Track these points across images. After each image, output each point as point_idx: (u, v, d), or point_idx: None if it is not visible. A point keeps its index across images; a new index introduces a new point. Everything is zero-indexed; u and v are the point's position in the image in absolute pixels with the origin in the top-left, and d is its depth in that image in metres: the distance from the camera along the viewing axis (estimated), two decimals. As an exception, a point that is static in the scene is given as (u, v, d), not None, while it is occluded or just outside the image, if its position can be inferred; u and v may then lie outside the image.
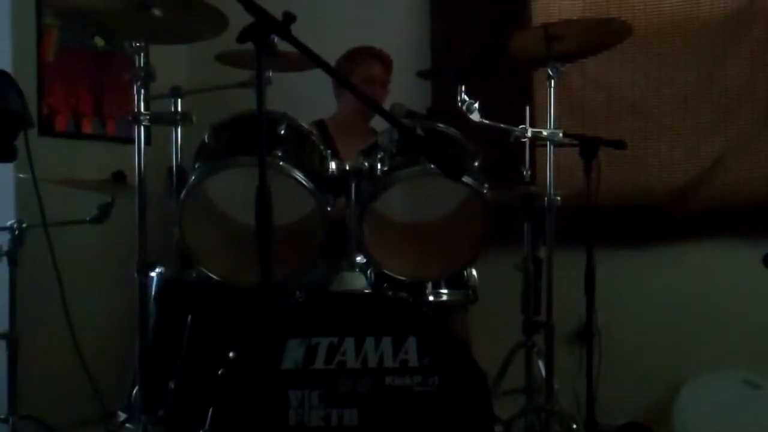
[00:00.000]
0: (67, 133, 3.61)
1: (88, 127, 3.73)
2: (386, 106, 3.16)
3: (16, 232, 2.61)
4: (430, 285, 2.74)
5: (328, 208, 2.38)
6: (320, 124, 3.28)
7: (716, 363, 3.51)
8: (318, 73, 2.89)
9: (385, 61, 3.37)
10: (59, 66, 3.60)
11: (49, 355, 3.11)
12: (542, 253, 3.02)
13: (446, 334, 2.21)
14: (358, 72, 3.27)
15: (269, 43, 1.71)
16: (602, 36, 2.76)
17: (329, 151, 2.46)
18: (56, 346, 3.10)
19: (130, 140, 3.65)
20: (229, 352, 2.18)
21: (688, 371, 3.52)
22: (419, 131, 2.42)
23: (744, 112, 3.53)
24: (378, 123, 3.29)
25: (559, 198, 2.79)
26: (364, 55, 3.32)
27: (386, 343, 2.15)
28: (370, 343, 2.14)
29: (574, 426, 2.83)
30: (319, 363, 2.12)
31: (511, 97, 3.29)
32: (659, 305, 3.64)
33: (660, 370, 3.59)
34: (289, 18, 1.61)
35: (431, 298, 2.75)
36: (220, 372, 2.11)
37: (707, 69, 3.54)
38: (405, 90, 3.42)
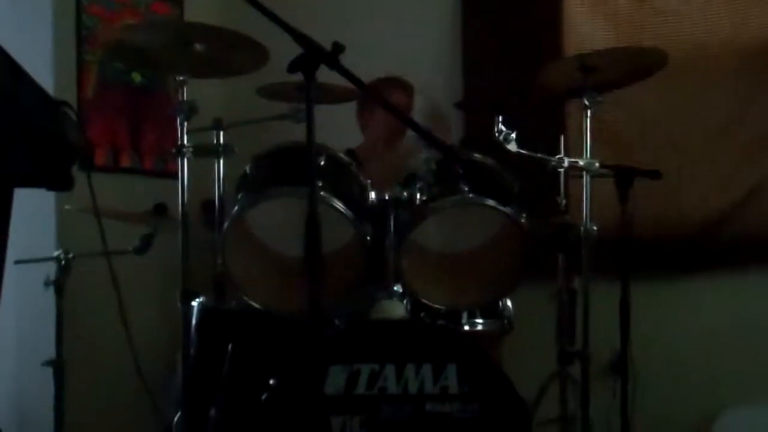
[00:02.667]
0: (106, 167, 3.67)
1: (126, 161, 3.79)
2: (409, 133, 3.23)
3: (63, 262, 2.67)
4: (465, 314, 2.76)
5: (368, 238, 2.41)
6: (350, 153, 3.34)
7: (752, 396, 3.47)
8: (347, 104, 2.98)
9: (405, 87, 3.43)
10: (98, 101, 3.67)
11: (93, 382, 3.16)
12: (577, 283, 3.02)
13: (486, 361, 2.23)
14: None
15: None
16: (637, 66, 2.78)
17: (369, 181, 2.50)
18: (100, 373, 3.16)
19: (166, 174, 3.75)
20: (269, 380, 2.21)
21: (722, 404, 3.47)
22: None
23: (780, 141, 3.53)
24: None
25: (596, 228, 2.81)
26: (386, 85, 3.37)
27: (426, 369, 2.17)
28: (410, 369, 2.16)
29: (610, 457, 2.82)
30: (361, 389, 2.14)
31: (544, 129, 3.30)
32: (694, 336, 3.60)
33: (694, 402, 3.54)
34: (338, 48, 1.65)
35: (466, 327, 2.77)
36: (263, 397, 2.14)
37: (742, 98, 3.53)
38: (437, 122, 3.47)
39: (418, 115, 3.48)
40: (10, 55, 1.26)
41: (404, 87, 3.43)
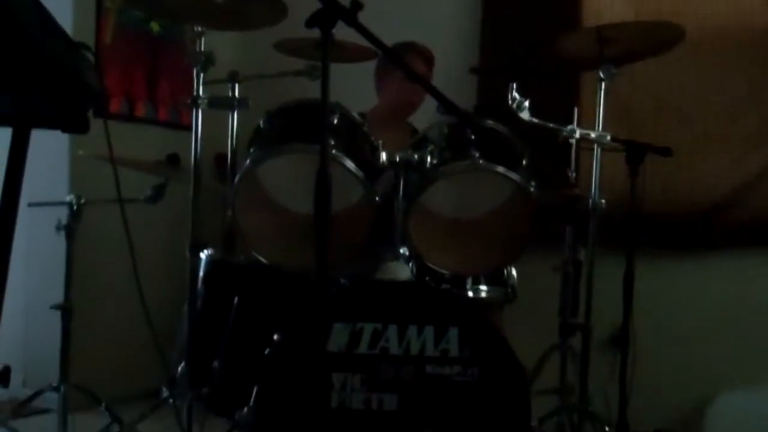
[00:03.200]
0: (120, 116, 3.69)
1: (141, 111, 3.81)
2: (427, 101, 3.21)
3: (74, 208, 2.70)
4: (470, 280, 2.78)
5: (377, 198, 2.43)
6: (361, 116, 3.34)
7: (752, 375, 3.50)
8: (365, 66, 2.97)
9: (426, 57, 3.37)
10: (116, 49, 3.68)
11: (100, 327, 3.20)
12: (582, 255, 3.04)
13: (487, 326, 2.25)
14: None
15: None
16: (654, 40, 2.76)
17: (380, 142, 2.51)
18: (107, 318, 3.20)
19: (180, 126, 3.76)
20: (273, 334, 2.24)
21: (722, 382, 3.51)
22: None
23: (792, 121, 3.52)
24: (417, 121, 3.34)
25: (604, 201, 2.81)
26: (405, 51, 3.32)
27: (428, 331, 2.18)
28: (412, 331, 2.18)
29: (607, 428, 2.85)
30: (363, 348, 2.16)
31: (557, 99, 3.31)
32: (697, 314, 3.63)
33: (694, 379, 3.58)
34: (356, 5, 1.66)
35: (470, 293, 2.78)
36: (267, 351, 2.16)
37: (756, 78, 3.53)
38: (451, 87, 3.43)
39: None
40: (35, -4, 1.27)
41: (424, 55, 3.37)
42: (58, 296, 2.73)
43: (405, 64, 2.22)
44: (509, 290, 2.88)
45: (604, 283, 2.83)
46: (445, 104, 1.82)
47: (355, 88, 3.34)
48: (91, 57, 1.59)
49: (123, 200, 2.26)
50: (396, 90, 3.33)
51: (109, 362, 3.28)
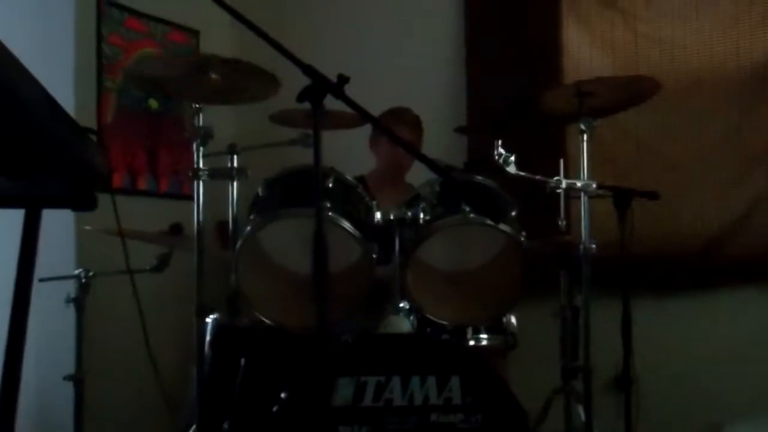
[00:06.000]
0: (123, 190, 3.80)
1: (142, 184, 3.92)
2: (417, 166, 3.33)
3: (83, 281, 2.78)
4: (470, 330, 2.85)
5: (374, 256, 2.51)
6: (360, 180, 3.44)
7: (754, 408, 3.53)
8: (361, 131, 3.09)
9: (409, 123, 3.49)
10: (116, 126, 3.80)
11: (112, 395, 3.25)
12: (579, 300, 3.10)
13: (488, 373, 2.31)
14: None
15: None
16: (632, 92, 2.88)
17: (374, 202, 2.61)
18: (119, 387, 3.25)
19: (181, 196, 3.87)
20: (280, 393, 2.30)
21: (726, 416, 3.53)
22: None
23: (771, 159, 3.61)
24: (414, 179, 3.44)
25: (594, 246, 2.90)
26: (390, 119, 3.42)
27: (431, 381, 2.24)
28: (415, 381, 2.23)
29: (615, 468, 2.89)
30: (368, 400, 2.20)
31: (545, 151, 3.40)
32: (696, 351, 3.67)
33: (698, 415, 3.60)
34: (343, 80, 1.76)
35: (471, 342, 2.85)
36: (274, 409, 2.22)
37: (735, 120, 3.64)
38: (442, 145, 3.57)
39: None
40: (45, 89, 1.37)
41: (406, 121, 3.49)
42: (70, 367, 2.79)
43: (388, 130, 2.33)
44: (509, 337, 2.94)
45: (603, 326, 2.88)
46: (428, 164, 1.91)
47: (356, 152, 3.48)
48: (95, 139, 1.70)
49: (130, 272, 2.35)
50: (385, 153, 3.47)
51: (123, 429, 3.32)
